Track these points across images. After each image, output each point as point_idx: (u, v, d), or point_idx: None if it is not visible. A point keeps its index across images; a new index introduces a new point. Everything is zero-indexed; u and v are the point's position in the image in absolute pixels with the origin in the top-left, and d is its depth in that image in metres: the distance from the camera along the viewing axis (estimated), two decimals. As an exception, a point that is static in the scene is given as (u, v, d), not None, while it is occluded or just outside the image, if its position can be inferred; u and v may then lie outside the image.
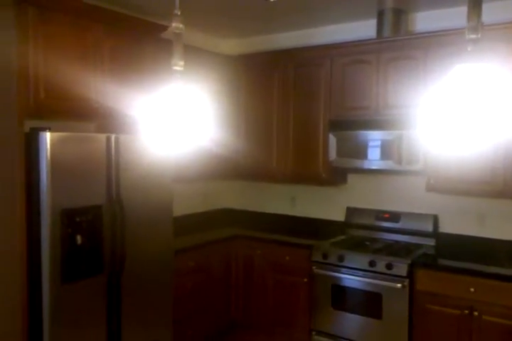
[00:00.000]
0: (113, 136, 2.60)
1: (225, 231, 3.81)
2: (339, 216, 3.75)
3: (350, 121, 3.34)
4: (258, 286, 3.57)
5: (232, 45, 4.22)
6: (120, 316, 2.63)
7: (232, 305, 3.66)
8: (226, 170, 3.90)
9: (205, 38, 3.98)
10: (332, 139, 3.40)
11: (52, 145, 2.30)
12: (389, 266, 2.93)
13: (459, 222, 3.26)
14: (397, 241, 3.38)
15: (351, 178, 3.73)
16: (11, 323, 2.36)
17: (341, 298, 3.13)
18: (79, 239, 2.44)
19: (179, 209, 3.58)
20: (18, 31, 2.30)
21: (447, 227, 3.30)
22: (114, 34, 2.75)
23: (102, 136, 2.56)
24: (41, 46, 2.39)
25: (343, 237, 3.55)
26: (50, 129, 2.30)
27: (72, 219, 2.40)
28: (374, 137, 3.22)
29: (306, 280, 3.29)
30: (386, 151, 3.17)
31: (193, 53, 3.31)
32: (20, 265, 2.34)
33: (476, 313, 2.65)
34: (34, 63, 2.36)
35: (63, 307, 2.36)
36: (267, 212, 4.16)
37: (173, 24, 1.44)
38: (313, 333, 3.24)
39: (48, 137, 2.28)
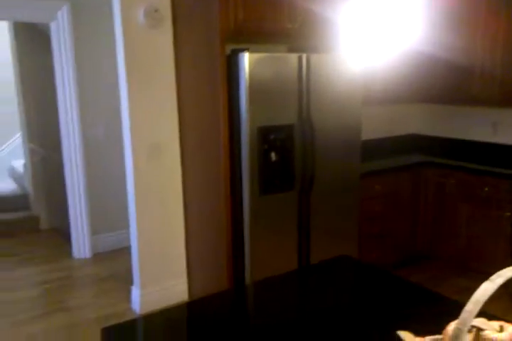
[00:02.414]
0: (304, 56, 2.61)
1: (414, 157, 3.64)
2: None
3: None
4: (449, 217, 3.38)
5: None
6: (309, 230, 2.80)
7: (419, 234, 3.57)
8: (417, 93, 3.64)
9: None
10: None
11: (250, 65, 2.42)
12: None
13: None
14: None
15: None
16: (218, 228, 2.72)
17: (550, 235, 2.77)
18: (273, 156, 2.60)
19: (365, 133, 3.52)
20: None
21: None
22: None
23: (294, 56, 2.59)
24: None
25: (558, 169, 3.07)
26: (248, 50, 2.41)
27: (267, 137, 2.56)
28: None
29: (509, 214, 2.99)
30: None
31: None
32: (224, 177, 2.61)
33: None
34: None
35: (260, 216, 2.61)
36: (460, 138, 3.80)
37: None
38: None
39: (246, 58, 2.40)
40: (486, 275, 0.88)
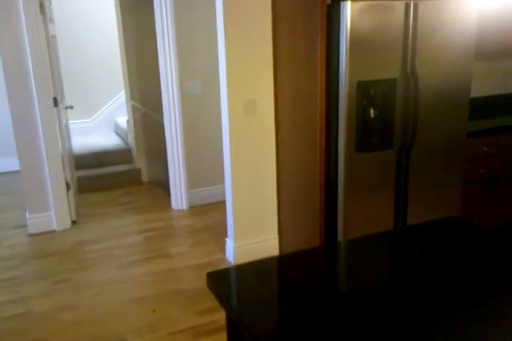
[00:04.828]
0: (412, 3, 2.40)
1: (529, 117, 3.30)
2: None
3: None
4: None
5: None
6: (407, 191, 2.68)
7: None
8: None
9: None
10: None
11: (352, 15, 2.28)
12: None
13: None
14: None
15: None
16: (311, 185, 2.70)
17: None
18: (372, 112, 2.49)
19: (474, 90, 3.22)
20: None
21: None
22: None
23: (400, 3, 2.39)
24: None
25: None
26: (350, -2, 2.27)
27: (366, 92, 2.44)
28: None
29: None
30: None
31: None
32: (320, 134, 2.56)
33: None
34: None
35: (355, 174, 2.53)
36: None
37: None
38: None
39: (349, 6, 2.26)
40: None
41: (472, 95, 3.26)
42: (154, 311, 2.57)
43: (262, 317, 1.16)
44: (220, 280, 1.35)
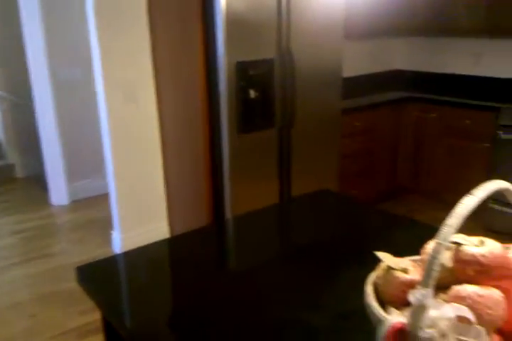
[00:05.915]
0: (282, -16, 2.42)
1: (395, 93, 3.55)
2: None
3: None
4: (429, 151, 3.37)
5: None
6: (290, 168, 2.75)
7: (399, 169, 3.57)
8: (400, 24, 3.48)
9: None
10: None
11: (226, -3, 2.24)
12: None
13: None
14: None
15: None
16: (197, 168, 2.65)
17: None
18: (252, 93, 2.48)
19: (347, 70, 3.40)
20: None
21: None
22: None
23: (272, -15, 2.40)
24: None
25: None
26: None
27: (245, 73, 2.42)
28: None
29: (488, 145, 2.97)
30: None
31: None
32: (202, 116, 2.51)
33: None
34: None
35: (240, 154, 2.53)
36: (443, 72, 3.72)
37: None
38: (491, 202, 3.02)
39: (220, -14, 2.22)
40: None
41: (345, 75, 3.45)
42: (34, 316, 2.35)
43: (142, 312, 1.07)
44: (92, 275, 1.24)
